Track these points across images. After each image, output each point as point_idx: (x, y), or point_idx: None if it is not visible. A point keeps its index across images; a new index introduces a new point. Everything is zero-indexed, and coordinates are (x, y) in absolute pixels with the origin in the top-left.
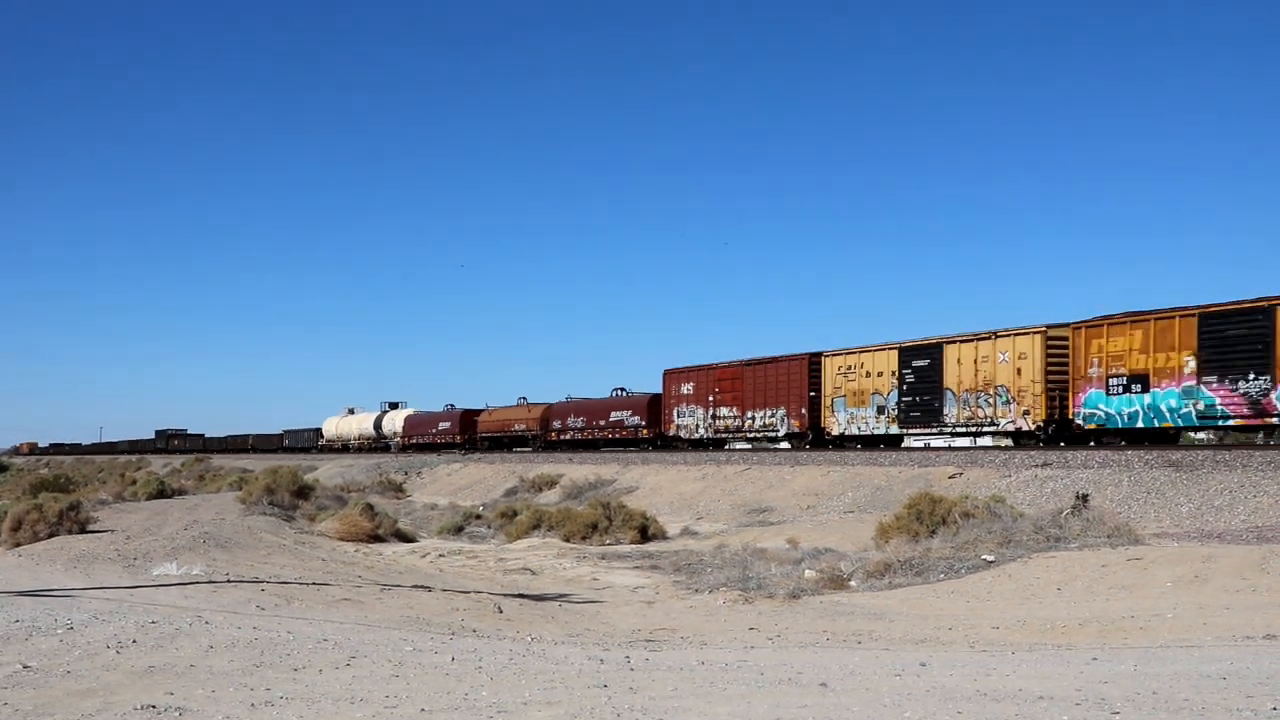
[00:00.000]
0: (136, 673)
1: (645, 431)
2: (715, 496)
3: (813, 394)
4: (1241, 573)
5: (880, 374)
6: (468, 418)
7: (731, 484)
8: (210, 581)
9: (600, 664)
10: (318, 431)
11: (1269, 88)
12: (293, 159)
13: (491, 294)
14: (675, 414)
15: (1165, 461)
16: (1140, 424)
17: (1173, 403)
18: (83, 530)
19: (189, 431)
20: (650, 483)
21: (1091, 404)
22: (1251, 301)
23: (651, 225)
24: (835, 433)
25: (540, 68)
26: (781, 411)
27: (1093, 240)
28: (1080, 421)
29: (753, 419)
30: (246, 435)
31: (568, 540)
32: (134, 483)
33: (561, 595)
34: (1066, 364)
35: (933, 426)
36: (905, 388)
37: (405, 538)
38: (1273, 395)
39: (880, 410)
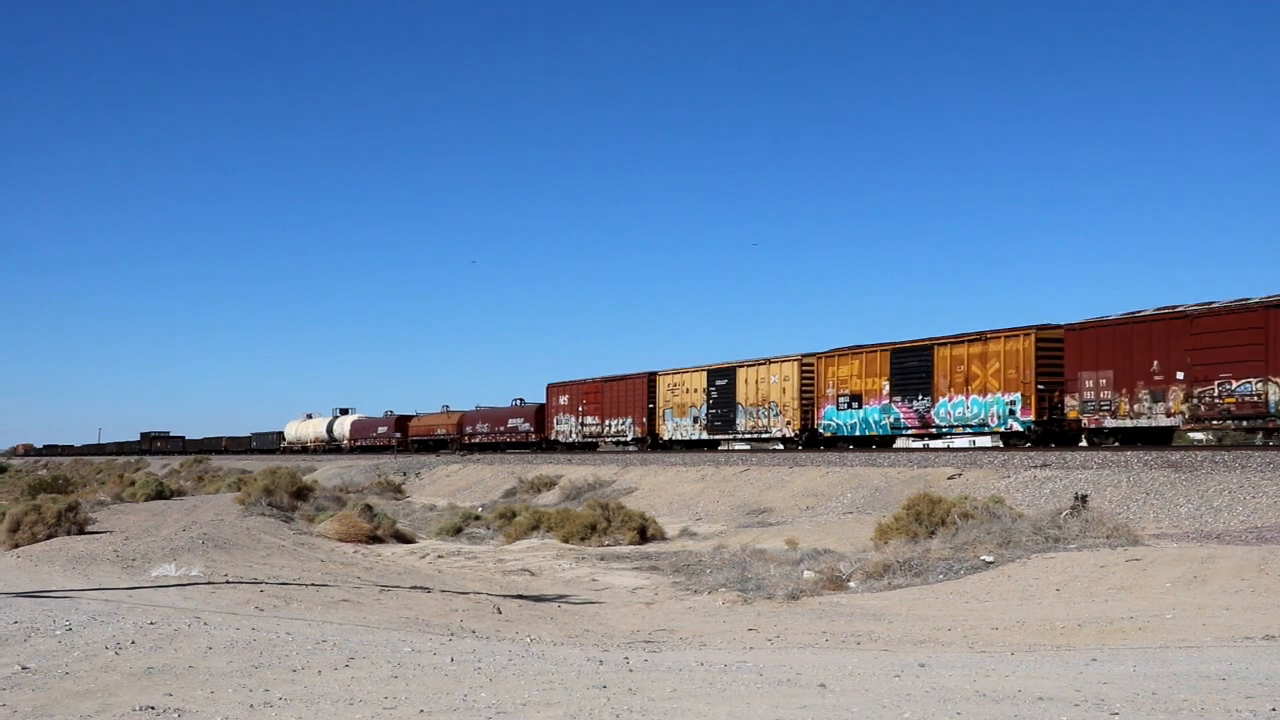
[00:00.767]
0: (135, 674)
1: (533, 436)
2: (714, 497)
3: (650, 406)
4: (1240, 573)
5: (695, 390)
6: (401, 422)
7: (730, 485)
8: (209, 582)
9: (599, 665)
10: (281, 434)
11: (1269, 87)
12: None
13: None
14: (555, 421)
15: (1164, 462)
16: (858, 433)
17: (876, 416)
18: (81, 531)
19: (171, 434)
20: (649, 484)
21: (829, 417)
22: (920, 340)
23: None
24: (666, 438)
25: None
26: (629, 420)
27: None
28: (821, 430)
29: (609, 426)
30: (220, 438)
31: (566, 541)
32: (132, 484)
33: (560, 596)
34: (814, 385)
35: (729, 434)
36: (711, 402)
37: (404, 539)
38: (932, 411)
39: (695, 420)
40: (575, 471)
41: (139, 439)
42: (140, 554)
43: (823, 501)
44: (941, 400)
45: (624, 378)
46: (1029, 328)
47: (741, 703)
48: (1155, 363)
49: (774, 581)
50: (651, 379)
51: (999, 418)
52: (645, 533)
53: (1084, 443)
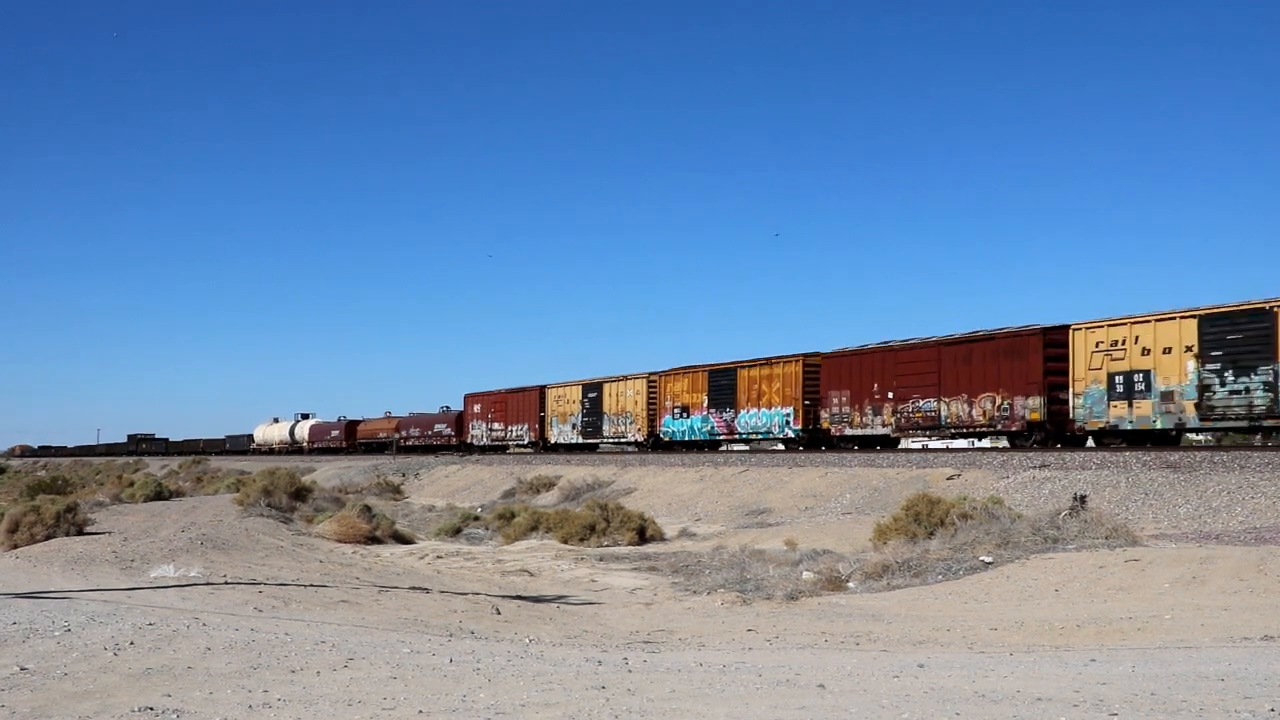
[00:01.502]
0: (134, 674)
1: (454, 439)
2: (713, 498)
3: (542, 414)
4: (1239, 574)
5: (574, 402)
6: (351, 427)
7: (730, 485)
8: (208, 583)
9: (598, 665)
10: (251, 437)
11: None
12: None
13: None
14: (471, 426)
15: (1163, 463)
16: (687, 438)
17: (699, 425)
18: (80, 532)
19: (156, 436)
20: (648, 484)
21: (667, 425)
22: (728, 364)
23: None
24: (553, 441)
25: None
26: (525, 426)
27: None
28: (661, 435)
29: (512, 431)
30: (198, 440)
31: (565, 542)
32: (131, 484)
33: (559, 597)
34: (658, 399)
35: (598, 438)
36: (585, 411)
37: (403, 539)
38: (735, 421)
39: (574, 426)
40: (574, 472)
41: (126, 440)
42: (139, 555)
43: (822, 502)
44: (742, 412)
45: (522, 390)
46: (798, 355)
47: (740, 703)
48: (876, 385)
49: (773, 582)
50: (542, 391)
51: (780, 426)
52: (644, 533)
53: (823, 448)
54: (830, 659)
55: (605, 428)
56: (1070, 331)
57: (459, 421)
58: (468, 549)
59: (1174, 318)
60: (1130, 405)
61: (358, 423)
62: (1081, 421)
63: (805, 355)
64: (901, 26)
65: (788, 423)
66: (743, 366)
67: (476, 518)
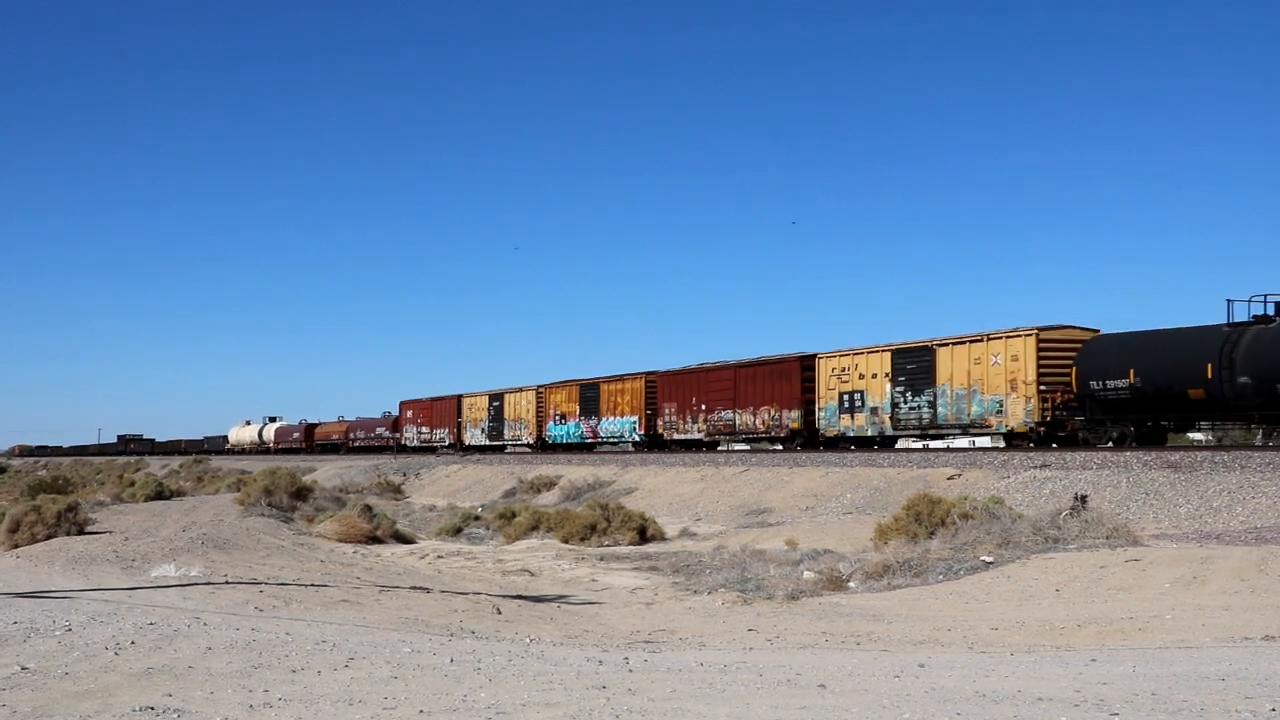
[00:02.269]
0: (135, 674)
1: (391, 441)
2: (714, 498)
3: (459, 420)
4: (1240, 574)
5: (483, 409)
6: (310, 430)
7: (730, 485)
8: (208, 583)
9: (599, 665)
10: (226, 438)
11: (1269, 87)
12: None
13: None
14: (405, 430)
15: (1164, 463)
16: (565, 441)
17: (573, 430)
18: (81, 532)
19: (144, 436)
20: (648, 484)
21: (551, 430)
22: (593, 379)
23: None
24: (467, 443)
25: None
26: (446, 430)
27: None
28: (547, 439)
29: (435, 434)
30: (180, 440)
31: (566, 541)
32: (132, 484)
33: (560, 596)
34: (545, 408)
35: (501, 440)
36: (490, 417)
37: (404, 539)
38: (598, 427)
39: (483, 430)
40: (575, 472)
41: (116, 440)
42: (140, 554)
43: (822, 502)
44: (604, 419)
45: (442, 398)
46: (642, 374)
47: (741, 703)
48: (694, 399)
49: (774, 582)
50: (459, 400)
51: (629, 432)
52: (645, 533)
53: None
54: (831, 659)
55: (506, 432)
56: (817, 360)
57: (396, 425)
58: (468, 549)
59: (878, 351)
60: (853, 417)
61: (315, 426)
62: (823, 430)
63: (646, 374)
64: (901, 26)
65: (634, 429)
66: (604, 381)
67: (477, 517)
